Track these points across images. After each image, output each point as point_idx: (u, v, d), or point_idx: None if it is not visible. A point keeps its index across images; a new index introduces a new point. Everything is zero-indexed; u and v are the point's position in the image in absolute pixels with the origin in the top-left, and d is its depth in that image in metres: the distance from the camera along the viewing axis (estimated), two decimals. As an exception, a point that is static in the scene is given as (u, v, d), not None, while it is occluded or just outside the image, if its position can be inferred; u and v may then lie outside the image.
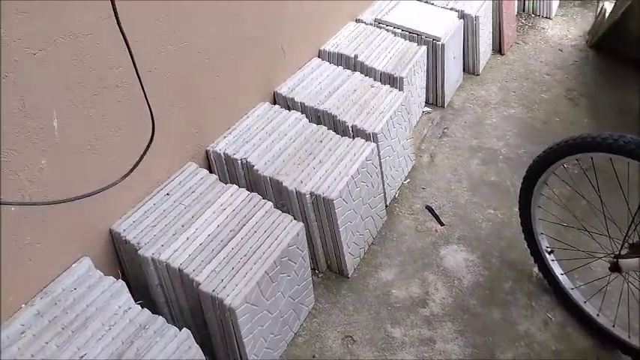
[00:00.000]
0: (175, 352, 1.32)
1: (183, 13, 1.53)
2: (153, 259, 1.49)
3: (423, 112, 2.74)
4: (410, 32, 2.69)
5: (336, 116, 2.11)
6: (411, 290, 1.90)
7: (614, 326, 1.70)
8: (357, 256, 1.97)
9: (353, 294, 1.88)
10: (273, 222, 1.66)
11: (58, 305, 1.34)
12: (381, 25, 2.72)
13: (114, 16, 1.06)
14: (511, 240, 2.10)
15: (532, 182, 1.74)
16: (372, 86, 2.29)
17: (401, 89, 2.36)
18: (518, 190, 1.82)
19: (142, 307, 1.39)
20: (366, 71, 2.41)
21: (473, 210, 2.23)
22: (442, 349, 1.72)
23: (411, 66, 2.45)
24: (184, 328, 1.37)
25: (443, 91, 2.78)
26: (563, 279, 1.84)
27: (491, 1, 3.10)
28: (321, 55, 2.46)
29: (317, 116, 2.15)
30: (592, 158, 1.56)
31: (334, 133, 2.03)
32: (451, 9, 2.93)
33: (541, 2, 3.76)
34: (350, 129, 2.09)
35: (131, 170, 1.19)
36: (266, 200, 1.72)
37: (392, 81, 2.39)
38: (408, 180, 2.35)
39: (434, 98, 2.82)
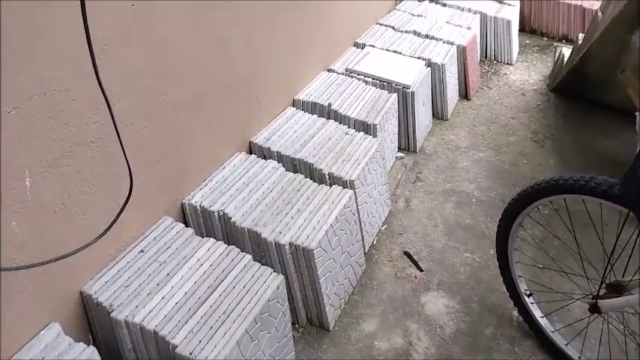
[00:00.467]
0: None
1: (161, 66, 1.53)
2: (126, 322, 1.41)
3: (397, 157, 2.78)
4: (380, 81, 2.76)
5: (312, 164, 2.11)
6: (393, 341, 1.86)
7: (596, 369, 1.70)
8: (338, 307, 1.93)
9: (335, 348, 1.82)
10: (253, 275, 1.62)
11: (24, 377, 1.25)
12: (352, 74, 2.78)
13: (93, 71, 1.05)
14: (490, 283, 2.10)
15: (508, 226, 1.77)
16: (346, 133, 2.32)
17: (375, 136, 2.40)
18: (493, 233, 1.84)
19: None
20: (340, 119, 2.45)
21: (450, 254, 2.24)
22: (429, 401, 1.68)
23: (383, 113, 2.50)
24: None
25: (414, 137, 2.84)
26: (544, 322, 1.84)
27: (455, 50, 3.23)
28: (295, 104, 2.49)
29: (293, 165, 2.15)
30: (565, 200, 1.60)
31: (311, 181, 2.03)
32: (418, 58, 3.04)
33: (502, 49, 3.95)
34: (327, 176, 2.09)
35: (106, 230, 1.14)
36: (244, 253, 1.69)
37: (365, 128, 2.43)
38: (386, 226, 2.36)
39: (406, 143, 2.88)
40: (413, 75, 2.81)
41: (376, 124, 2.41)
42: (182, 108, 1.68)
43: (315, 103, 2.48)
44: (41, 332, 1.33)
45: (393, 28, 3.39)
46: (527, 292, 1.86)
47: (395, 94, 2.66)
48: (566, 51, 3.58)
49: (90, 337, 1.52)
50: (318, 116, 2.42)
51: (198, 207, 1.83)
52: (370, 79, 2.77)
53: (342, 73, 2.78)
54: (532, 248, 2.11)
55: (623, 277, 1.51)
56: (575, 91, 3.44)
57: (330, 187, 2.01)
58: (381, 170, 2.32)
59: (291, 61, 2.36)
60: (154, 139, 1.60)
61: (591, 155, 2.98)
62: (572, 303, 1.84)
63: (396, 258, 2.20)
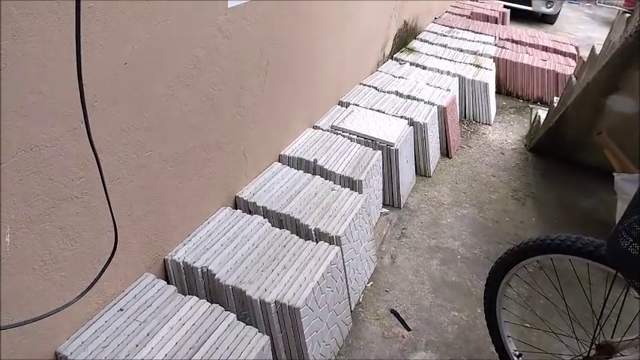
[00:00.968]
0: None
1: (150, 123, 1.53)
2: (103, 386, 1.34)
3: (381, 213, 2.79)
4: (365, 138, 2.82)
5: (298, 220, 2.10)
6: (382, 405, 1.79)
7: None
8: (324, 368, 1.86)
9: (321, 412, 1.74)
10: (237, 336, 1.56)
11: None
12: (337, 131, 2.84)
13: (83, 127, 1.05)
14: (478, 343, 2.07)
15: (495, 285, 1.76)
16: (332, 189, 2.33)
17: (360, 192, 2.42)
18: (479, 291, 1.83)
19: None
20: (326, 175, 2.46)
21: (437, 313, 2.21)
22: None
23: (368, 169, 2.53)
24: None
25: (399, 193, 2.87)
26: (535, 384, 1.80)
27: (436, 110, 3.34)
28: (281, 159, 2.51)
29: (280, 220, 2.13)
30: (552, 260, 1.61)
31: (297, 237, 2.01)
32: (401, 117, 3.12)
33: (480, 110, 4.10)
34: (313, 232, 2.08)
35: (88, 289, 1.10)
36: (228, 312, 1.63)
37: (351, 184, 2.44)
38: (372, 283, 2.32)
39: (390, 199, 2.90)
40: (396, 133, 2.88)
41: (362, 180, 2.43)
42: (169, 163, 1.68)
43: (301, 158, 2.51)
44: (9, 399, 1.25)
45: (375, 88, 3.50)
46: (517, 353, 1.82)
47: (379, 151, 2.71)
48: (542, 113, 3.74)
49: (61, 403, 1.42)
50: (304, 172, 2.43)
51: (181, 263, 1.78)
52: (355, 137, 2.82)
53: (328, 130, 2.83)
54: (519, 306, 2.09)
55: (612, 337, 1.50)
56: (552, 151, 3.55)
57: (317, 243, 1.99)
58: (366, 226, 2.32)
59: (278, 117, 2.40)
60: (140, 194, 1.58)
61: (572, 213, 3.04)
62: (562, 364, 1.81)
63: (383, 316, 2.16)
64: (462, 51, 4.64)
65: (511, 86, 4.79)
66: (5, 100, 1.07)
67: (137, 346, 1.45)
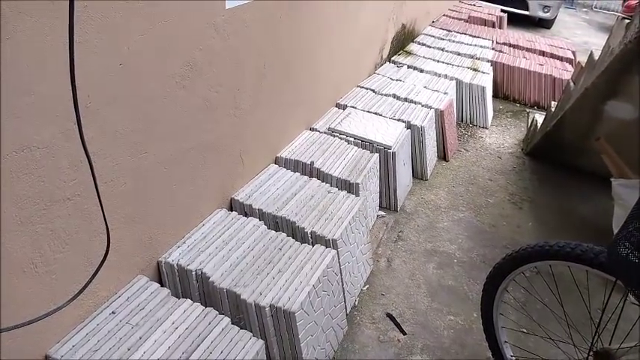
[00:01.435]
0: None
1: (145, 124, 1.51)
2: (94, 391, 1.31)
3: (378, 215, 2.78)
4: (362, 140, 2.80)
5: (294, 222, 2.08)
6: (377, 410, 1.77)
7: None
8: (319, 373, 1.84)
9: (316, 418, 1.72)
10: (231, 340, 1.54)
11: None
12: (334, 133, 2.82)
13: (76, 129, 1.03)
14: (474, 348, 2.05)
15: (493, 291, 1.75)
16: (329, 192, 2.31)
17: (357, 195, 2.40)
18: (476, 295, 1.82)
19: None
20: (323, 177, 2.45)
21: (434, 317, 2.19)
22: None
23: (365, 172, 2.51)
24: None
25: (395, 196, 2.85)
26: (531, 390, 1.79)
27: (433, 113, 3.33)
28: (278, 161, 2.49)
29: (275, 222, 2.11)
30: (550, 266, 1.60)
31: (294, 239, 1.99)
32: (398, 120, 3.11)
33: (477, 114, 4.09)
34: (309, 235, 2.06)
35: (79, 292, 1.08)
36: (223, 316, 1.61)
37: (348, 187, 2.43)
38: (367, 286, 2.31)
39: (387, 202, 2.88)
40: (394, 136, 2.86)
41: (359, 183, 2.42)
42: (164, 165, 1.66)
43: (298, 161, 2.49)
44: (-3, 404, 1.22)
45: (373, 90, 3.49)
46: (514, 359, 1.81)
47: (376, 154, 2.69)
48: (539, 117, 3.73)
49: (51, 408, 1.40)
50: (301, 174, 2.42)
51: (175, 266, 1.76)
52: (352, 139, 2.81)
53: (325, 132, 2.81)
54: (516, 312, 2.08)
55: (610, 344, 1.49)
56: (549, 156, 3.55)
57: (313, 246, 1.97)
58: (363, 229, 2.30)
59: (275, 119, 2.38)
60: (134, 196, 1.56)
61: (569, 218, 3.03)
62: (558, 370, 1.80)
63: (379, 320, 2.14)
64: (459, 54, 4.64)
65: (508, 90, 4.79)
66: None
67: (129, 350, 1.43)
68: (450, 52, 4.68)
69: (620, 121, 2.69)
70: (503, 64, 4.72)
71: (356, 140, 2.81)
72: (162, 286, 1.73)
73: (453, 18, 6.07)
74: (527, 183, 3.36)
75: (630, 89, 2.50)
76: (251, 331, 1.62)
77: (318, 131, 2.81)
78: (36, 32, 1.09)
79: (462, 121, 4.13)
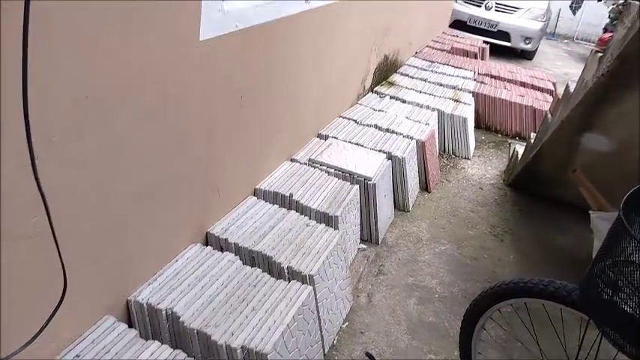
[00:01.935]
0: None
1: (112, 158, 1.48)
2: None
3: (359, 249, 2.74)
4: (342, 172, 2.79)
5: (271, 257, 2.03)
6: None
7: None
8: (294, 416, 1.77)
9: None
10: (199, 384, 1.48)
11: None
12: (314, 164, 2.80)
13: (31, 166, 0.99)
14: (455, 388, 2.00)
15: (470, 329, 1.71)
16: (307, 225, 2.28)
17: (336, 228, 2.37)
18: (457, 332, 1.77)
19: None
20: (302, 210, 2.42)
21: (414, 356, 2.14)
22: None
23: (345, 204, 2.49)
24: None
25: (376, 228, 2.83)
26: None
27: (415, 144, 3.34)
28: (256, 193, 2.46)
29: (251, 257, 2.06)
30: (525, 303, 1.57)
31: (269, 275, 1.95)
32: (379, 150, 3.11)
33: (459, 144, 4.12)
34: (285, 271, 2.01)
35: (34, 337, 1.02)
36: (192, 359, 1.55)
37: (327, 220, 2.40)
38: (347, 323, 2.25)
39: (368, 235, 2.85)
40: (374, 167, 2.85)
41: (338, 216, 2.39)
42: (133, 199, 1.61)
43: (277, 192, 2.46)
44: None
45: (355, 121, 3.50)
46: (494, 399, 1.76)
47: (357, 186, 2.67)
48: (520, 148, 3.76)
49: None
50: (280, 206, 2.38)
51: (144, 304, 1.70)
52: (332, 170, 2.79)
53: (305, 163, 2.79)
54: (495, 350, 2.04)
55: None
56: (530, 187, 3.56)
57: (289, 282, 1.92)
58: (342, 264, 2.26)
59: (253, 151, 2.36)
60: (101, 232, 1.51)
61: (549, 250, 3.02)
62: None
63: None
64: (441, 85, 4.69)
65: (490, 121, 4.84)
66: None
67: (90, 396, 1.36)
68: (433, 82, 4.74)
69: (596, 153, 2.72)
70: (485, 95, 4.79)
71: (336, 171, 2.80)
72: (131, 326, 1.66)
73: (435, 49, 6.17)
74: (508, 215, 3.36)
75: (605, 122, 2.53)
76: (222, 374, 1.56)
77: (299, 162, 2.79)
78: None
79: (445, 151, 4.15)
